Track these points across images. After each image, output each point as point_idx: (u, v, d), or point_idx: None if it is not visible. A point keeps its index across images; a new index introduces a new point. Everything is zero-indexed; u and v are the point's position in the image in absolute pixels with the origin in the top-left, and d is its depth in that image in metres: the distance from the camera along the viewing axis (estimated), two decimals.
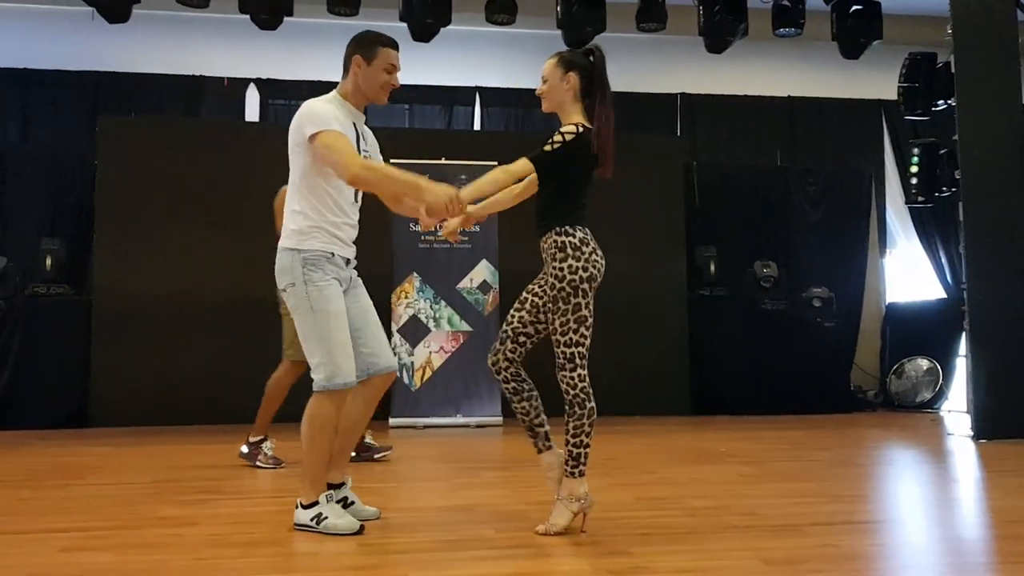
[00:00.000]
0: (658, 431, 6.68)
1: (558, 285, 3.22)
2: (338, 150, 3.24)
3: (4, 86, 8.64)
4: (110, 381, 7.37)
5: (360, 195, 3.52)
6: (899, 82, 7.67)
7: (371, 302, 3.57)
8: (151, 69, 8.86)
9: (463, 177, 7.16)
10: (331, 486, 3.47)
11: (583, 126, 3.31)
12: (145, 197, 7.61)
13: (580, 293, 3.22)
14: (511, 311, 3.42)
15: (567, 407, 3.25)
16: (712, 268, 8.61)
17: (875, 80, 9.32)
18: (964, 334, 6.55)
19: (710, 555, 2.94)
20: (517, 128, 9.39)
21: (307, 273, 3.29)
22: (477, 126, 9.40)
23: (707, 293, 8.53)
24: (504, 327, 3.42)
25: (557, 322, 3.23)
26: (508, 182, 3.30)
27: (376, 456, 5.15)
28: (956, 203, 6.69)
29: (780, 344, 8.30)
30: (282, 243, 3.39)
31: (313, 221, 3.34)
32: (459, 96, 9.28)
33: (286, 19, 7.54)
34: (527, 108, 9.23)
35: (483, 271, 7.37)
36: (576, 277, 3.21)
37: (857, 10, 7.86)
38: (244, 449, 5.13)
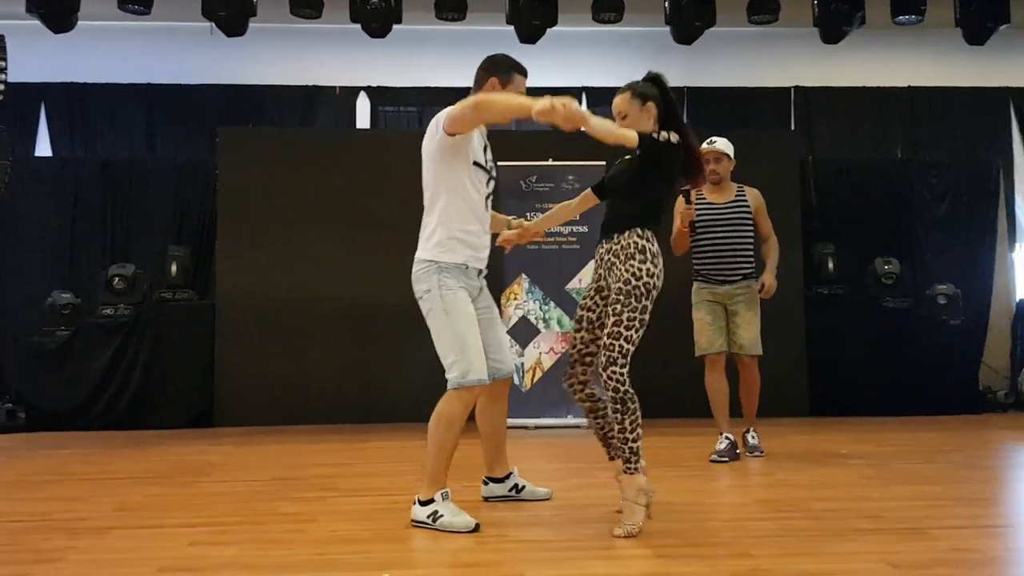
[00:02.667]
0: (775, 432, 6.49)
1: (633, 282, 3.27)
2: (460, 104, 3.37)
3: (131, 101, 9.08)
4: (233, 383, 7.64)
5: (490, 203, 3.67)
6: None
7: (497, 310, 3.78)
8: (267, 81, 9.17)
9: (571, 177, 7.16)
10: (496, 480, 3.85)
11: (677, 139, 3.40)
12: (264, 204, 7.86)
13: (649, 297, 3.29)
14: (573, 333, 3.55)
15: (618, 405, 3.25)
16: (831, 265, 8.34)
17: (1002, 67, 8.90)
18: None
19: (834, 558, 2.84)
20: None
21: (442, 280, 3.45)
22: None
23: (826, 291, 8.26)
24: (571, 350, 3.55)
25: (623, 316, 3.25)
26: (627, 137, 3.22)
27: None
28: None
29: (903, 343, 7.98)
30: (420, 254, 3.54)
31: (449, 232, 3.48)
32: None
33: (395, 26, 7.67)
34: None
35: (591, 272, 7.33)
36: (651, 281, 3.29)
37: None
38: None
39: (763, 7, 7.62)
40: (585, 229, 7.24)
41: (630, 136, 3.24)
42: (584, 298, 3.52)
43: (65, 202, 8.58)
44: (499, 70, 3.62)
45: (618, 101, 3.50)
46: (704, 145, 5.36)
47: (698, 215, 5.27)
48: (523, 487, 3.92)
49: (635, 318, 3.24)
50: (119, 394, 7.57)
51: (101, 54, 8.98)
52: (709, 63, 8.96)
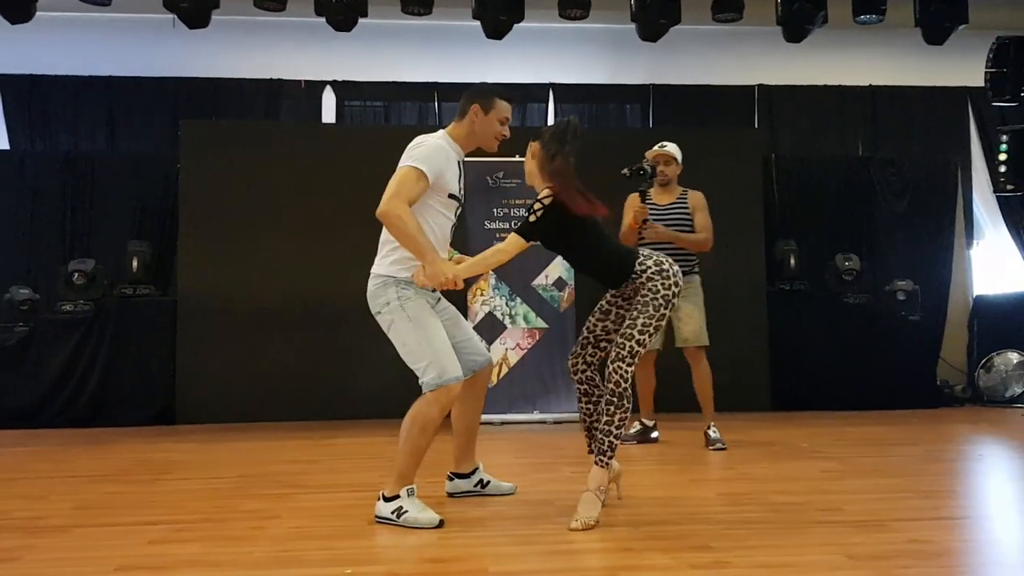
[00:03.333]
0: (737, 427, 6.57)
1: (662, 292, 3.40)
2: (400, 183, 3.41)
3: (91, 94, 8.93)
4: (195, 379, 7.57)
5: (452, 231, 3.71)
6: (986, 67, 7.43)
7: (455, 310, 3.80)
8: (231, 74, 9.07)
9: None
10: (461, 476, 3.88)
11: (552, 191, 3.42)
12: (226, 199, 7.80)
13: (667, 307, 3.42)
14: (594, 318, 3.63)
15: (615, 399, 3.31)
16: (792, 262, 8.44)
17: (960, 66, 9.02)
18: None
19: (793, 550, 2.88)
20: (591, 124, 9.35)
21: (400, 292, 3.47)
22: (551, 122, 9.38)
23: (787, 287, 8.36)
24: (586, 332, 3.64)
25: (641, 319, 3.36)
26: (503, 261, 3.48)
27: None
28: None
29: (863, 338, 8.09)
30: (376, 270, 3.56)
31: (405, 253, 3.48)
32: (533, 93, 9.24)
33: (360, 20, 7.63)
34: (601, 103, 9.18)
35: (558, 268, 7.35)
36: (670, 292, 3.43)
37: None
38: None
39: (727, 6, 7.67)
40: None
41: (509, 246, 3.41)
42: (616, 294, 3.58)
43: (24, 196, 8.43)
44: (482, 96, 3.66)
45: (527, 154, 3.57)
46: (655, 148, 5.61)
47: None
48: (488, 482, 3.94)
49: (651, 323, 3.36)
50: (79, 391, 7.47)
51: (61, 46, 8.84)
52: (674, 61, 9.00)
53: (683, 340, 5.57)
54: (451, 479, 3.95)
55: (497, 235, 7.18)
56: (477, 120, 3.64)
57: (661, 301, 3.39)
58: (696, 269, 5.73)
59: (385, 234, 3.57)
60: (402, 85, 8.99)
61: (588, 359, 3.63)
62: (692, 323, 5.55)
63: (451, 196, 3.59)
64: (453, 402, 3.46)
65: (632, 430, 5.77)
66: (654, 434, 5.85)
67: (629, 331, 3.35)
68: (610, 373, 3.33)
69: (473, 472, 3.94)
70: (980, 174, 9.64)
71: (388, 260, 3.53)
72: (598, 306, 3.64)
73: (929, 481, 4.25)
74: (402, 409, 3.44)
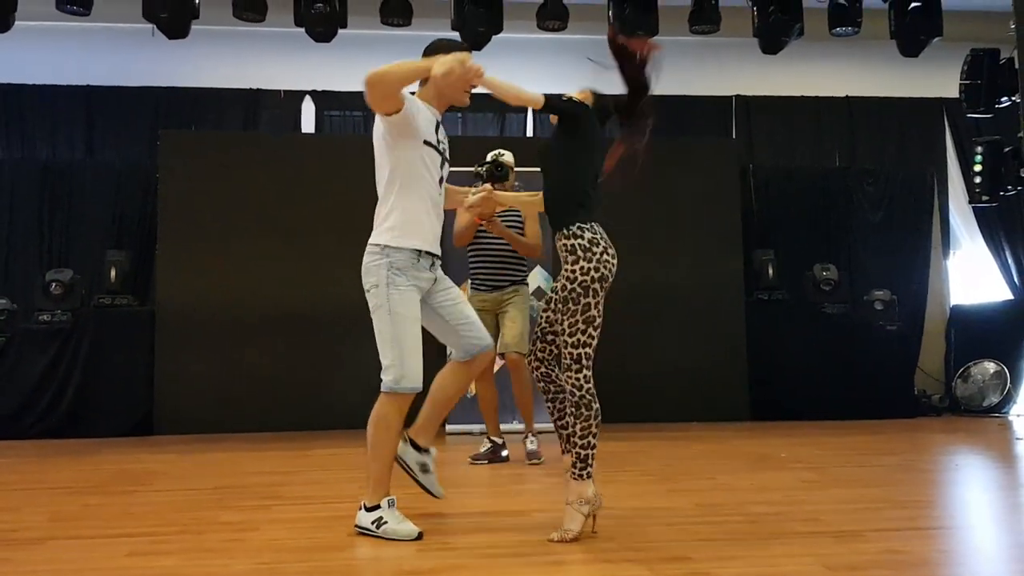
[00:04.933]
0: (716, 437, 6.60)
1: (569, 286, 3.23)
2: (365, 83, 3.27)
3: (69, 103, 8.89)
4: (174, 389, 7.52)
5: (443, 189, 3.59)
6: (961, 79, 7.51)
7: (460, 292, 3.67)
8: (210, 84, 9.06)
9: (517, 184, 7.18)
10: (417, 447, 3.60)
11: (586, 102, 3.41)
12: (205, 209, 7.77)
13: (591, 293, 3.22)
14: (542, 310, 3.47)
15: (574, 408, 3.23)
16: (770, 271, 8.50)
17: (936, 78, 9.12)
18: None
19: (771, 561, 2.90)
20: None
21: (391, 277, 3.36)
22: (530, 132, 9.41)
23: (766, 297, 8.41)
24: (536, 327, 3.49)
25: (566, 323, 3.23)
26: (524, 100, 3.34)
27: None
28: (1022, 201, 6.52)
29: (841, 348, 8.15)
30: (372, 238, 3.44)
31: (404, 214, 3.40)
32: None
33: (340, 31, 7.63)
34: None
35: (537, 278, 7.37)
36: (587, 278, 3.22)
37: (916, 7, 7.70)
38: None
39: (704, 17, 7.74)
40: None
41: (535, 98, 3.26)
42: (557, 281, 3.38)
43: (1, 206, 8.38)
44: (438, 53, 3.48)
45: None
46: (493, 155, 5.45)
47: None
48: (430, 472, 3.63)
49: (578, 320, 3.21)
50: (56, 401, 7.41)
51: (39, 55, 8.79)
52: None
53: (504, 346, 5.32)
54: (405, 441, 3.67)
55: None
56: (437, 79, 3.42)
57: (578, 289, 3.20)
58: (526, 280, 5.60)
59: (380, 203, 3.46)
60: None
61: (539, 354, 3.45)
62: (515, 328, 5.34)
63: (427, 143, 3.45)
64: (408, 405, 3.38)
65: (482, 449, 5.49)
66: (504, 452, 5.50)
67: (566, 339, 3.22)
68: (565, 383, 3.27)
69: (426, 452, 3.64)
70: (956, 184, 9.74)
71: (384, 227, 3.41)
72: (546, 298, 3.49)
73: (906, 491, 4.28)
74: None
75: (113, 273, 7.87)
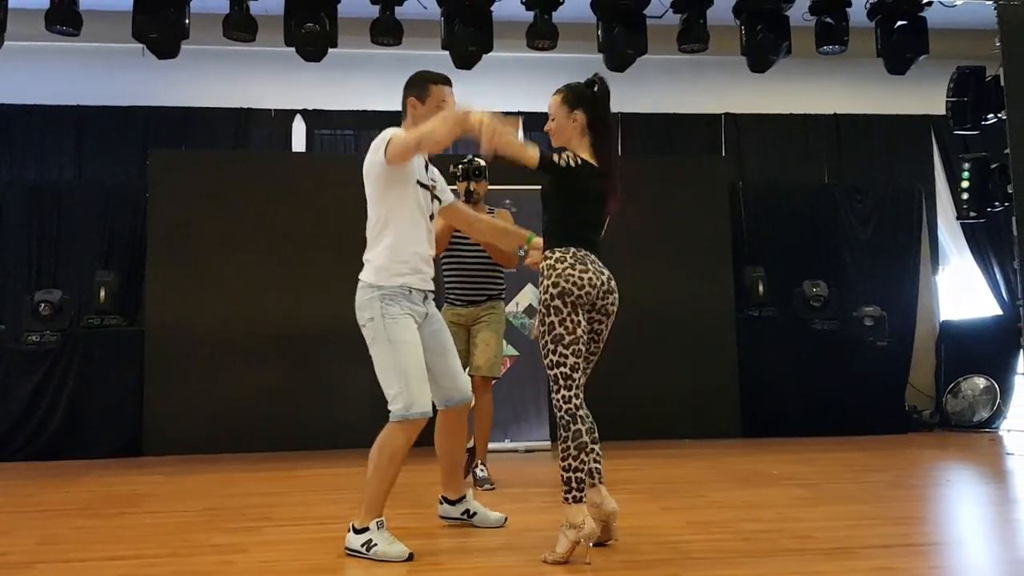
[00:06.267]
0: (708, 454, 6.59)
1: (538, 307, 3.30)
2: (403, 134, 3.42)
3: (58, 123, 8.86)
4: (163, 410, 7.47)
5: (433, 226, 3.66)
6: (947, 96, 7.55)
7: (449, 336, 3.72)
8: (200, 103, 9.04)
9: (507, 201, 7.20)
10: (451, 502, 3.86)
11: (581, 159, 3.38)
12: (196, 229, 7.75)
13: (553, 311, 3.23)
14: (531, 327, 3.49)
15: (559, 429, 3.24)
16: (761, 288, 8.51)
17: (923, 95, 9.18)
18: (1021, 351, 6.39)
19: None
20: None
21: (384, 308, 3.41)
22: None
23: (756, 314, 8.42)
24: None
25: (541, 343, 3.28)
26: (523, 158, 3.28)
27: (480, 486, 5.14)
28: (1009, 218, 6.56)
29: (832, 365, 8.15)
30: (363, 276, 3.50)
31: (394, 254, 3.46)
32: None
33: (330, 50, 7.65)
34: None
35: (528, 295, 7.37)
36: (547, 296, 3.25)
37: (902, 25, 7.74)
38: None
39: (693, 36, 7.77)
40: (522, 253, 7.24)
41: (531, 158, 3.26)
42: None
43: None
44: (415, 86, 3.61)
45: (551, 102, 3.51)
46: (462, 163, 5.29)
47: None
48: (475, 512, 3.90)
49: (547, 340, 3.24)
50: (44, 423, 7.34)
51: (28, 75, 8.77)
52: (642, 90, 9.08)
53: (476, 368, 5.06)
54: (441, 503, 3.95)
55: None
56: (417, 112, 3.56)
57: (542, 309, 3.25)
58: (502, 294, 5.36)
59: (371, 239, 3.51)
60: (372, 114, 8.99)
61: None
62: (488, 352, 5.10)
63: (419, 183, 3.56)
64: (418, 432, 3.40)
65: (483, 473, 5.23)
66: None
67: (545, 360, 3.27)
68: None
69: (460, 500, 3.91)
70: (944, 200, 9.77)
71: (374, 266, 3.46)
72: None
73: (898, 507, 4.28)
74: (372, 438, 3.42)
75: (103, 293, 7.83)
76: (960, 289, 9.89)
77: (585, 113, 3.44)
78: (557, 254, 3.29)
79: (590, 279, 3.26)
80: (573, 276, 3.24)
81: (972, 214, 7.72)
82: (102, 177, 8.82)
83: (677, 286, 8.09)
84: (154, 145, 8.50)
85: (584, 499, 3.21)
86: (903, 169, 9.86)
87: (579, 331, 3.24)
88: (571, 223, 3.38)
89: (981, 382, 8.68)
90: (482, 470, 5.23)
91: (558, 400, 3.24)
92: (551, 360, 3.24)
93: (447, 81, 3.64)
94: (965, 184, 7.70)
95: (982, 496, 4.80)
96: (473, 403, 3.92)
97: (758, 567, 3.04)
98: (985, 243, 9.59)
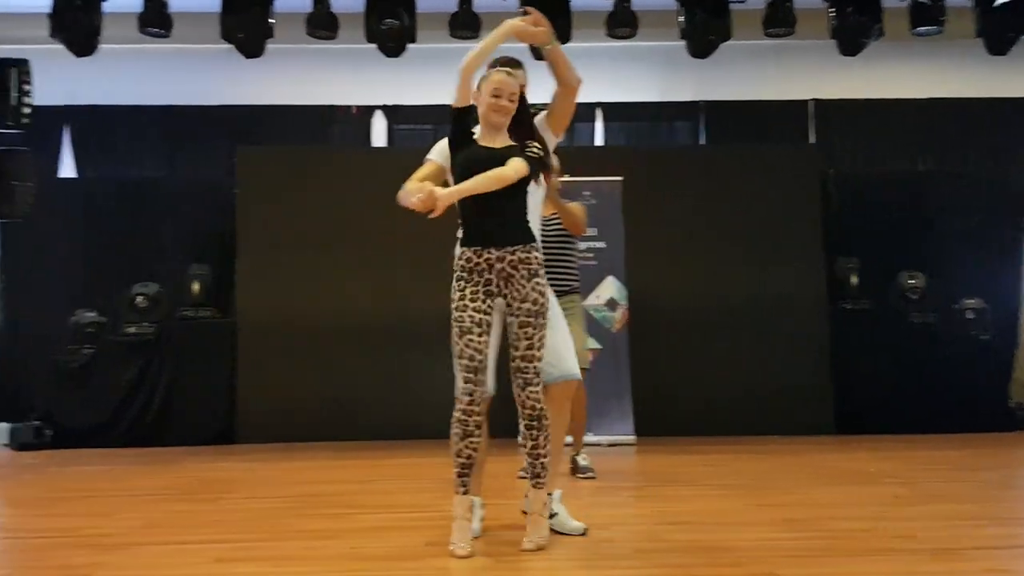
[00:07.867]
0: (799, 450, 6.41)
1: (541, 301, 3.28)
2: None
3: (151, 122, 9.14)
4: (255, 400, 7.63)
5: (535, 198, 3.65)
6: None
7: (560, 312, 3.63)
8: (284, 101, 9.20)
9: (586, 193, 7.13)
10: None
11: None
12: (282, 223, 7.87)
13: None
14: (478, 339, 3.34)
15: (534, 423, 3.25)
16: (854, 280, 8.24)
17: None
18: None
19: None
20: (639, 142, 9.28)
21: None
22: (599, 141, 9.33)
23: (849, 306, 8.16)
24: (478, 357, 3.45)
25: (536, 338, 3.26)
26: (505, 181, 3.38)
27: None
28: None
29: (930, 359, 7.84)
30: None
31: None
32: (579, 112, 9.15)
33: (409, 45, 7.70)
34: (650, 121, 9.16)
35: (610, 288, 7.26)
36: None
37: (1004, 3, 7.41)
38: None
39: (779, 20, 7.57)
40: (604, 246, 7.18)
41: (519, 169, 3.36)
42: (478, 302, 3.27)
43: (88, 222, 8.62)
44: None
45: (515, 84, 3.57)
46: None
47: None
48: (555, 514, 3.57)
49: (544, 337, 3.28)
50: (143, 411, 7.60)
51: (122, 76, 9.02)
52: (725, 77, 8.90)
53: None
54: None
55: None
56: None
57: (544, 308, 3.33)
58: (579, 288, 5.25)
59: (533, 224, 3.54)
60: (450, 108, 9.02)
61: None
62: (576, 344, 4.93)
63: None
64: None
65: (585, 462, 5.29)
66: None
67: (529, 352, 3.26)
68: (524, 400, 3.26)
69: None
70: None
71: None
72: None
73: (1006, 508, 4.10)
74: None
75: (196, 286, 8.04)
76: None
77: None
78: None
79: None
80: None
81: None
82: (191, 174, 9.07)
83: (767, 278, 7.88)
84: (240, 142, 8.67)
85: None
86: (1005, 155, 9.45)
87: None
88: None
89: None
90: (584, 459, 5.25)
91: (538, 394, 3.27)
92: (541, 356, 3.30)
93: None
94: None
95: None
96: None
97: (858, 566, 2.93)
98: None
